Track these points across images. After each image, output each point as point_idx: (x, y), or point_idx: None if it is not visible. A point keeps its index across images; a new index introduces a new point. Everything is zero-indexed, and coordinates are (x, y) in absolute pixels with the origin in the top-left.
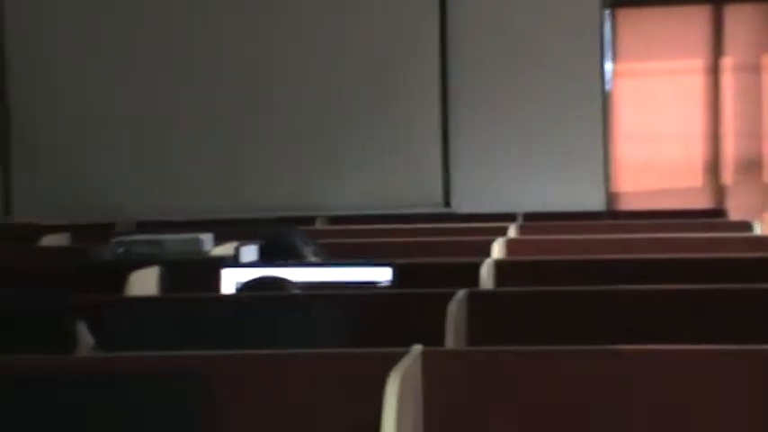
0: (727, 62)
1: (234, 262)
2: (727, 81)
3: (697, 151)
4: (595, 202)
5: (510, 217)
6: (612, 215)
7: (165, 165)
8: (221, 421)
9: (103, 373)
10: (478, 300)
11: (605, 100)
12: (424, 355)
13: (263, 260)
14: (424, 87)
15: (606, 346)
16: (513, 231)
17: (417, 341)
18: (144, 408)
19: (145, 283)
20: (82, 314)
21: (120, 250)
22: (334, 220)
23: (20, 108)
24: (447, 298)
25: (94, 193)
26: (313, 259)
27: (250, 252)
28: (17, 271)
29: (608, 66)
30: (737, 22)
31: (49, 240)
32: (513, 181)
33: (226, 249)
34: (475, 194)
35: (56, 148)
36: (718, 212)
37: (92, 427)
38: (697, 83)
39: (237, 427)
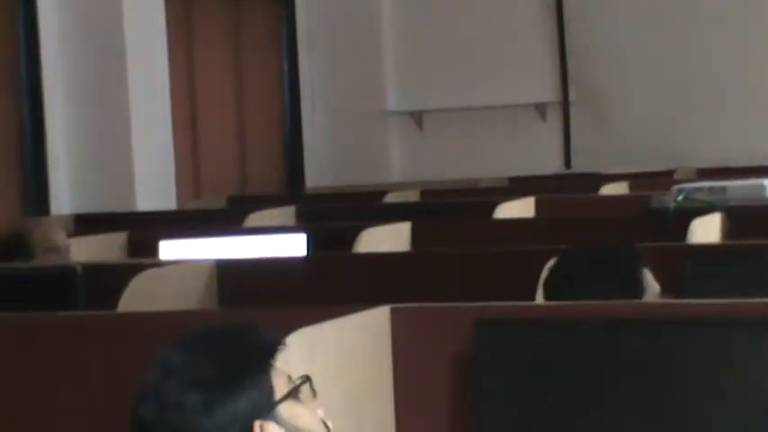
0: None
1: None
2: None
3: None
4: None
5: None
6: None
7: (721, 109)
8: None
9: (676, 319)
10: None
11: None
12: None
13: None
14: None
15: None
16: None
17: None
18: (721, 356)
19: (707, 229)
20: (647, 261)
21: (681, 197)
22: None
23: (579, 57)
24: None
25: (654, 140)
26: None
27: None
28: (584, 222)
29: None
30: None
31: (607, 189)
32: None
33: None
34: None
35: (614, 96)
36: None
37: (659, 372)
38: None
39: None
